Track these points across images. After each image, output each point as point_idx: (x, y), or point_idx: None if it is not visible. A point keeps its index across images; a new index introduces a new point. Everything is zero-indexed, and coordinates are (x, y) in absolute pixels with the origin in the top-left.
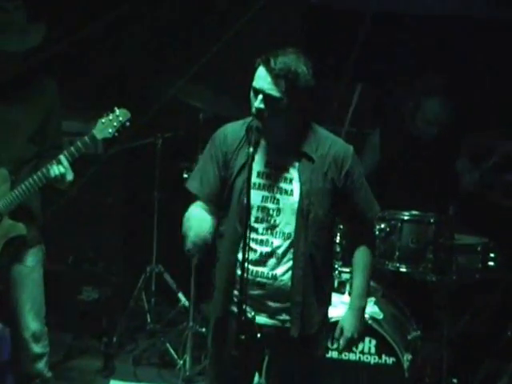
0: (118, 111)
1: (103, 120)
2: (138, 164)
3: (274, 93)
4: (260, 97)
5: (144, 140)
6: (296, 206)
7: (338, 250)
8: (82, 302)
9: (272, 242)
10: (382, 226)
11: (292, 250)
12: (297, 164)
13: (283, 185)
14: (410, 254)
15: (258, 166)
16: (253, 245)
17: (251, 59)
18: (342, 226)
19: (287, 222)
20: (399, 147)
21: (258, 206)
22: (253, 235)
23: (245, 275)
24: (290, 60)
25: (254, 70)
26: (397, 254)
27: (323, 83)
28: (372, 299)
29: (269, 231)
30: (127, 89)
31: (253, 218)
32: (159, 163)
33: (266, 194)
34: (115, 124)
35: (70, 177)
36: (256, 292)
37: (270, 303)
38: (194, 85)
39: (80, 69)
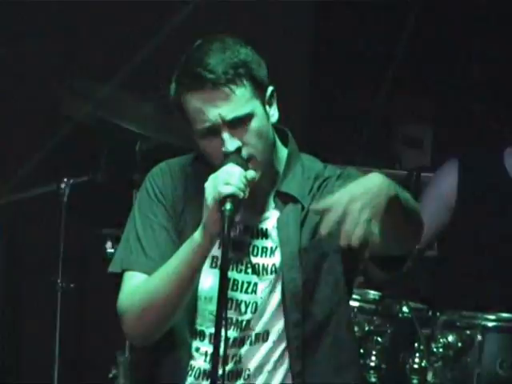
0: None
1: None
2: (30, 231)
3: (244, 110)
4: (225, 135)
5: (41, 187)
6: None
7: None
8: None
9: (239, 357)
10: (450, 338)
11: (275, 359)
12: (277, 216)
13: (261, 259)
14: None
15: None
16: (199, 362)
17: None
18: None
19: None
20: (493, 192)
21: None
22: (202, 346)
23: None
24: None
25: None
26: None
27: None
28: None
29: (235, 342)
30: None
31: (207, 318)
32: (65, 228)
33: (234, 275)
34: None
35: None
36: None
37: None
38: (126, 96)
39: None
